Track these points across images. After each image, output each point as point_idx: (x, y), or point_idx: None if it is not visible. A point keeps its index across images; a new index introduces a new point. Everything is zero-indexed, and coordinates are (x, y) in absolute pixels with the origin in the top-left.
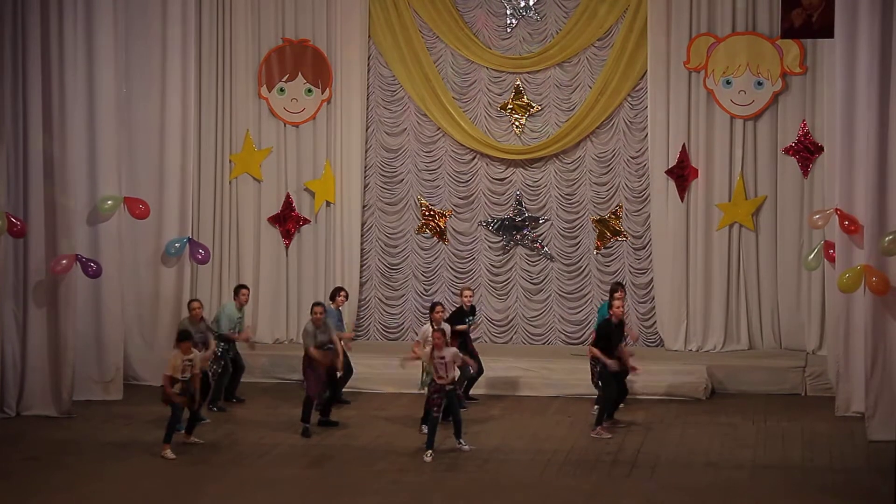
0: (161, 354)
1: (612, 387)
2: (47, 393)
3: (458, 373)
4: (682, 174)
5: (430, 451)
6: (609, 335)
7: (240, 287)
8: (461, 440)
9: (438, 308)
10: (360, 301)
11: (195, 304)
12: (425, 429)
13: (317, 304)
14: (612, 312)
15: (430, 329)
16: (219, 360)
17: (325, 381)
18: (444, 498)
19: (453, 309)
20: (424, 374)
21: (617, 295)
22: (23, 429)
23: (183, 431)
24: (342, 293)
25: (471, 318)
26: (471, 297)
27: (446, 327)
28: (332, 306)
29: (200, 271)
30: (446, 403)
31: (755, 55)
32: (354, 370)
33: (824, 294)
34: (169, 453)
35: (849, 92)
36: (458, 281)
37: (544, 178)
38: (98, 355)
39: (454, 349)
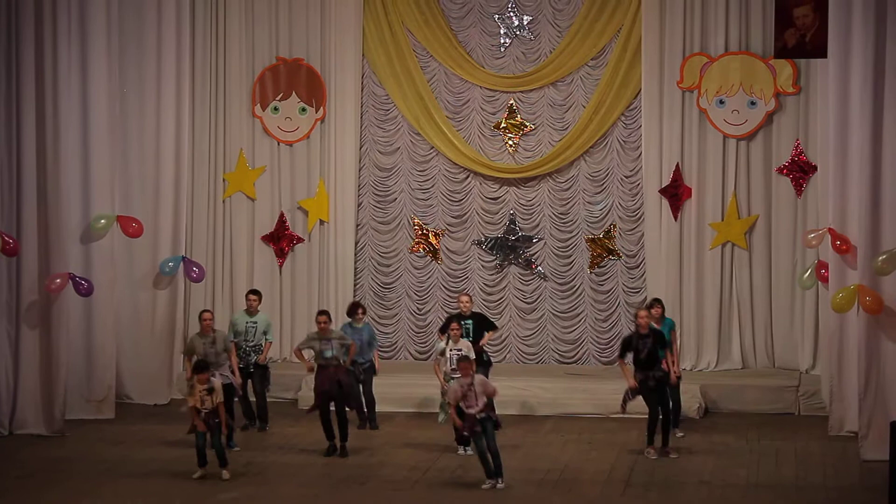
0: (154, 374)
1: (649, 406)
2: (40, 411)
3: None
4: (675, 193)
5: (491, 481)
6: (632, 346)
7: (248, 293)
8: (500, 478)
9: (454, 325)
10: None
11: (206, 315)
12: (462, 450)
13: (321, 312)
14: (637, 323)
15: (445, 346)
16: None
17: (323, 398)
18: None
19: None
20: (443, 409)
21: (653, 311)
22: (15, 447)
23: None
24: (359, 309)
25: (468, 321)
26: (468, 302)
27: (468, 349)
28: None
29: (194, 290)
30: (484, 431)
31: (748, 75)
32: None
33: (818, 313)
34: (198, 473)
35: (842, 111)
36: (451, 300)
37: (538, 197)
38: (90, 374)
39: (481, 377)
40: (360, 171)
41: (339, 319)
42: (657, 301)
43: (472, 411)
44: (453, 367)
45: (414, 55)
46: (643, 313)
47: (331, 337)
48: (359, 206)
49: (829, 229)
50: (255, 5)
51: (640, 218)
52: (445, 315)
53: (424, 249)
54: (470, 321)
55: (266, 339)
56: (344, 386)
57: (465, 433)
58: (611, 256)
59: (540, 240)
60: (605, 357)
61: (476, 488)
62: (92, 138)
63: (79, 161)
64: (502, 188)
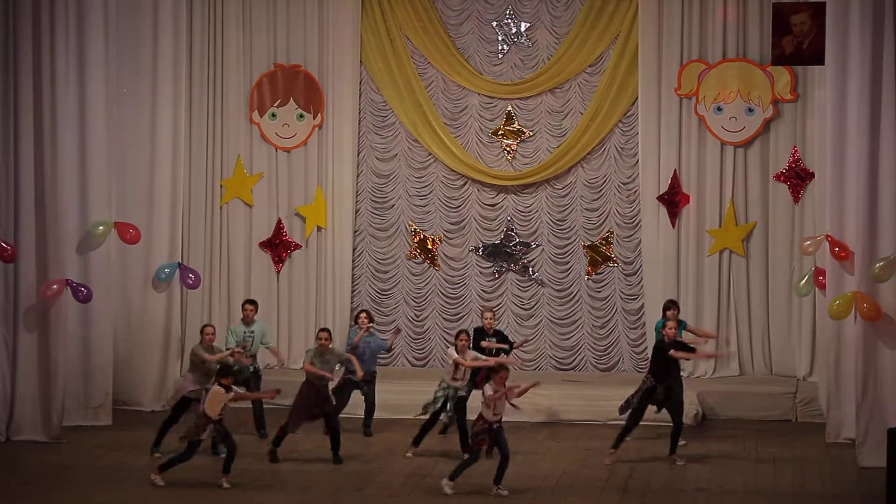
0: (151, 380)
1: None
2: (37, 418)
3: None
4: (673, 200)
5: (450, 483)
6: (663, 354)
7: (244, 303)
8: (500, 485)
9: (462, 336)
10: (350, 326)
11: (208, 330)
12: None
13: (322, 329)
14: (664, 333)
15: (456, 355)
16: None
17: (308, 414)
18: None
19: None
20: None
21: (669, 314)
22: (13, 454)
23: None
24: (362, 314)
25: (491, 339)
26: (491, 318)
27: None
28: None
29: (191, 296)
30: (496, 440)
31: (746, 82)
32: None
33: (815, 320)
34: (159, 480)
35: (839, 118)
36: (449, 307)
37: (535, 203)
38: (88, 380)
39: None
40: (357, 177)
41: (341, 328)
42: (672, 303)
43: (493, 419)
44: (454, 375)
45: (412, 62)
46: (672, 325)
47: (329, 357)
48: (356, 212)
49: (827, 236)
50: (253, 12)
51: (637, 225)
52: (443, 322)
53: (422, 256)
54: (493, 339)
55: (266, 346)
56: (329, 403)
57: (477, 442)
58: (608, 263)
59: (538, 246)
60: (603, 364)
61: (474, 495)
62: (89, 144)
63: (76, 167)
64: (500, 195)
